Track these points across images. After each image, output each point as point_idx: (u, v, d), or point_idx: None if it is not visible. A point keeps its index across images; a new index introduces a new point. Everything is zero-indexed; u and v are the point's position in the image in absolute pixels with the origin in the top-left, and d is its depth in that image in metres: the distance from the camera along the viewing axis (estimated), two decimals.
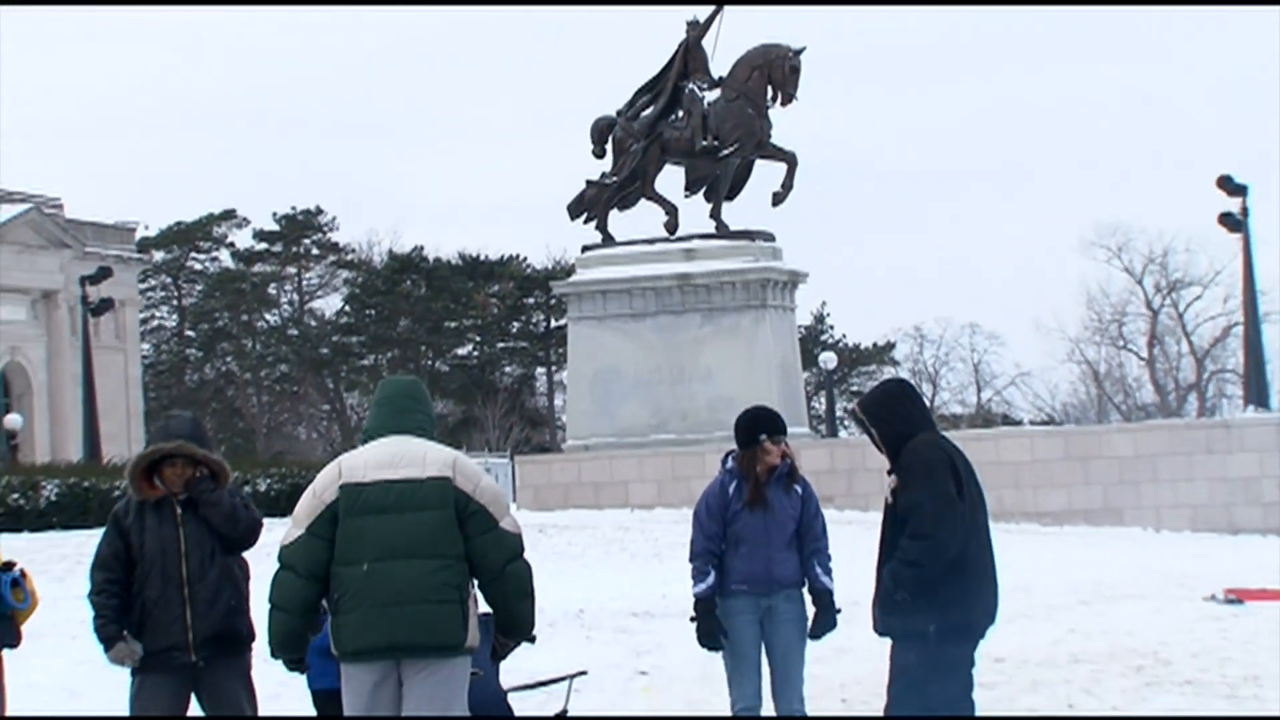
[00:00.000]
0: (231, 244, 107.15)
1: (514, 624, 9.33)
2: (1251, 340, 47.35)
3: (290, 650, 9.38)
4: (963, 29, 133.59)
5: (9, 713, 10.58)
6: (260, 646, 10.27)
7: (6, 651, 10.50)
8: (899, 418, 10.14)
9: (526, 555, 9.33)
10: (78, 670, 17.07)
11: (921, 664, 9.90)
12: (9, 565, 10.37)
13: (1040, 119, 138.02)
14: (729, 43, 41.90)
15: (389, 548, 9.07)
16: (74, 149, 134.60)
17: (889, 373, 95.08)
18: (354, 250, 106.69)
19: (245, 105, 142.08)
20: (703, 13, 41.01)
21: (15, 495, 36.57)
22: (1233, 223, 45.14)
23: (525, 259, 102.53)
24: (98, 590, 10.25)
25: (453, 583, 9.08)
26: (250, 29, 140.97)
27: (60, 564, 25.98)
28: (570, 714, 12.15)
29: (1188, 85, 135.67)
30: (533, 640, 9.55)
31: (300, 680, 10.45)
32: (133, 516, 10.31)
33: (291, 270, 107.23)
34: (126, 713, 10.33)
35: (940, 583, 9.78)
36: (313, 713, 11.54)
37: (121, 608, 10.21)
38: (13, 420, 70.27)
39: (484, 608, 9.39)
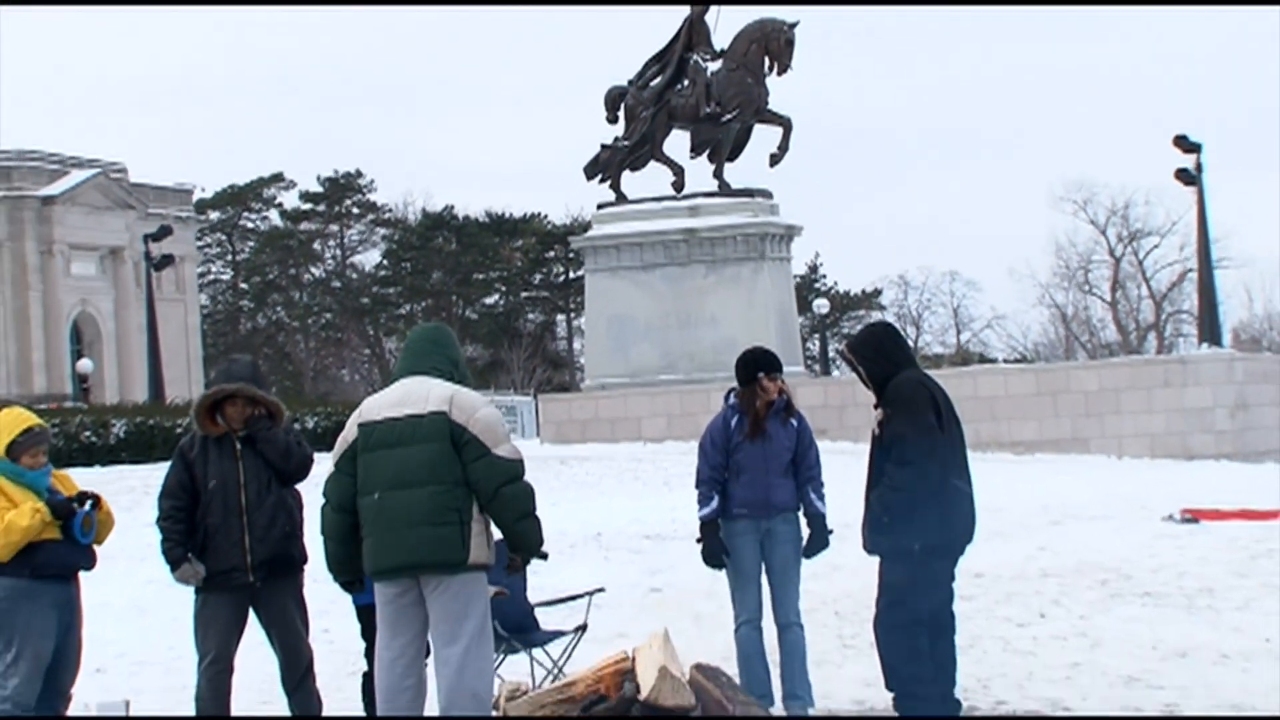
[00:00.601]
0: (280, 204, 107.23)
1: (518, 541, 9.32)
2: (1205, 284, 47.30)
3: (342, 573, 9.48)
4: (944, 2, 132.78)
5: (85, 627, 10.63)
6: (311, 568, 10.35)
7: (83, 573, 10.55)
8: (884, 357, 10.16)
9: (548, 484, 9.37)
10: (146, 589, 17.15)
11: (907, 579, 9.95)
12: (84, 497, 10.39)
13: (1014, 84, 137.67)
14: (730, 16, 41.76)
15: (395, 478, 9.13)
16: (136, 118, 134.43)
17: (876, 317, 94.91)
18: (391, 209, 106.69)
19: (292, 77, 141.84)
20: None
21: (87, 433, 36.65)
22: (1188, 177, 44.99)
23: (546, 216, 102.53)
24: (165, 517, 10.30)
25: (452, 506, 9.10)
26: (296, 6, 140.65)
27: (128, 495, 26.03)
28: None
29: (1147, 53, 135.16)
30: (544, 557, 9.56)
31: (344, 598, 10.50)
32: (197, 450, 10.35)
33: (334, 228, 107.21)
34: (191, 626, 10.41)
35: (923, 505, 9.81)
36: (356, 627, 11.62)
37: (186, 533, 10.27)
38: (84, 365, 70.55)
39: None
